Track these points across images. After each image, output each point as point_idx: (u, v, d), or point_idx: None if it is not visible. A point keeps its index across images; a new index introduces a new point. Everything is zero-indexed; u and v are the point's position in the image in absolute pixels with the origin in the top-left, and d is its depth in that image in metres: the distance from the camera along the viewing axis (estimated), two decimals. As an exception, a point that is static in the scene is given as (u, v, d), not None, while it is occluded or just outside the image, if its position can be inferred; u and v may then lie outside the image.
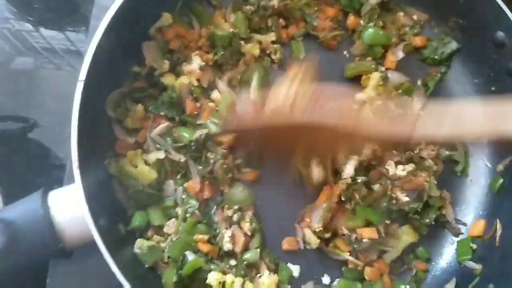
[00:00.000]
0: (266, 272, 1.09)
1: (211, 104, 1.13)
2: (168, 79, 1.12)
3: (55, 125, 1.34)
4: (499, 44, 1.10)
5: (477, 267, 1.08)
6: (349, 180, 1.07)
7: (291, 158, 1.06)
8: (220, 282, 1.03)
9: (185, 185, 1.11)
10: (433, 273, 1.14)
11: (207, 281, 1.02)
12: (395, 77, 1.18)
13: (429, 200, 1.12)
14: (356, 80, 1.19)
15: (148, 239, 1.07)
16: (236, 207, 1.10)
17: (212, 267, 1.06)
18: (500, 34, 1.09)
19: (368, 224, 1.08)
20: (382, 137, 0.89)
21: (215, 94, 1.14)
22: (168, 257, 1.06)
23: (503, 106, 0.81)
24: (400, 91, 1.16)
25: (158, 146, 1.10)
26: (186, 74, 1.13)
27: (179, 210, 1.10)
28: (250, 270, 1.08)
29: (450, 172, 1.19)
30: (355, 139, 0.94)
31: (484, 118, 0.82)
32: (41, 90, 1.38)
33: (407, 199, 1.09)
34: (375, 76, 1.12)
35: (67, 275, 1.12)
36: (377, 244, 1.09)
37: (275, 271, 1.11)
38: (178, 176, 1.12)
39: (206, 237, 1.07)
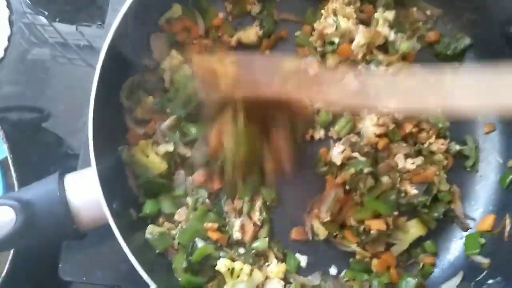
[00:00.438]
0: (274, 261, 1.11)
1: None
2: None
3: (69, 115, 1.37)
4: (511, 39, 1.10)
5: (485, 261, 1.07)
6: (351, 171, 1.08)
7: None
8: (228, 269, 1.04)
9: (191, 177, 1.13)
10: (440, 267, 1.15)
11: (216, 267, 1.04)
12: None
13: (438, 194, 1.13)
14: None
15: (159, 225, 1.09)
16: (246, 198, 1.11)
17: (221, 254, 1.07)
18: (513, 29, 1.09)
19: (377, 216, 1.09)
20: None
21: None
22: (178, 244, 1.08)
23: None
24: None
25: (167, 139, 1.12)
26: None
27: (189, 200, 1.11)
28: (258, 259, 1.10)
29: (460, 167, 1.18)
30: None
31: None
32: (56, 82, 1.41)
33: (416, 192, 1.09)
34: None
35: (78, 261, 1.15)
36: (385, 236, 1.10)
37: (283, 260, 1.13)
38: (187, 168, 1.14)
39: (216, 225, 1.09)
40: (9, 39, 1.41)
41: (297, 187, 1.16)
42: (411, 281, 1.10)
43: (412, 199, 1.10)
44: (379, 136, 1.10)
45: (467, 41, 1.20)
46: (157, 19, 1.15)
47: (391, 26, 1.13)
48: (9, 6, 1.43)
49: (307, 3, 1.24)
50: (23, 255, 1.10)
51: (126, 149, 1.07)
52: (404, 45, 1.11)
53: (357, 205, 1.11)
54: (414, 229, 1.13)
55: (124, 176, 1.06)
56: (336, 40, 1.13)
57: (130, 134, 1.13)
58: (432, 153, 1.14)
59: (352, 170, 1.08)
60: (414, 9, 1.21)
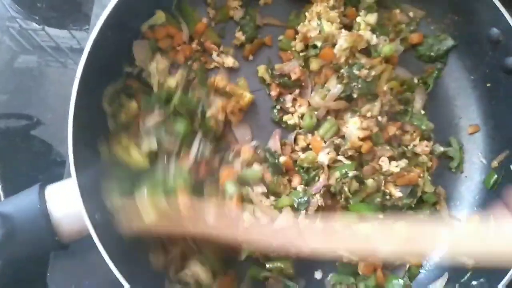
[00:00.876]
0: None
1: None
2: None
3: (57, 122, 1.36)
4: (494, 41, 1.10)
5: (470, 262, 1.08)
6: (337, 175, 1.08)
7: None
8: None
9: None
10: (427, 268, 1.15)
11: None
12: (402, 73, 1.19)
13: (423, 195, 1.14)
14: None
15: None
16: None
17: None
18: (495, 31, 1.09)
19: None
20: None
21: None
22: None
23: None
24: (405, 87, 1.17)
25: (150, 138, 1.09)
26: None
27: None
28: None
29: (445, 168, 1.19)
30: None
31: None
32: (44, 88, 1.40)
33: (400, 194, 1.10)
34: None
35: (67, 270, 1.15)
36: (371, 239, 1.10)
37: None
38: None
39: None
40: (-5, 45, 1.41)
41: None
42: (398, 282, 1.11)
43: (397, 202, 1.11)
44: (363, 139, 1.10)
45: (450, 42, 1.21)
46: (139, 25, 1.14)
47: (373, 30, 1.13)
48: (-7, 12, 1.42)
49: (290, 7, 1.24)
50: (11, 265, 1.10)
51: (106, 148, 1.06)
52: (387, 48, 1.11)
53: (342, 209, 1.11)
54: (400, 231, 1.14)
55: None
56: (319, 43, 1.13)
57: (113, 138, 1.10)
58: (416, 155, 1.15)
59: (337, 174, 1.09)
60: (397, 11, 1.22)
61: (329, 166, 1.11)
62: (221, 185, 1.09)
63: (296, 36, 1.19)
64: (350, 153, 1.10)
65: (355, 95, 1.11)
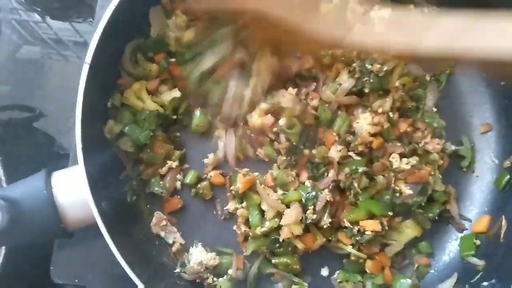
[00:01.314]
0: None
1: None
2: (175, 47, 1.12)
3: (60, 115, 1.35)
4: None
5: (480, 263, 1.06)
6: (346, 171, 1.07)
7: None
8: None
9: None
10: (435, 268, 1.13)
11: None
12: (414, 69, 1.17)
13: (434, 194, 1.12)
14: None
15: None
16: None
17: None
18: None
19: (371, 216, 1.07)
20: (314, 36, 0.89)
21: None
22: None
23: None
24: (417, 83, 1.16)
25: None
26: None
27: None
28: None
29: (456, 167, 1.17)
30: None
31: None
32: (47, 80, 1.40)
33: (410, 192, 1.08)
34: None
35: (70, 263, 1.13)
36: (379, 237, 1.08)
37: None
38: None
39: None
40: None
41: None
42: (406, 282, 1.09)
43: (407, 199, 1.09)
44: (374, 135, 1.08)
45: (464, 39, 1.19)
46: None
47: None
48: (-4, 4, 1.41)
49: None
50: (15, 257, 1.09)
51: (118, 95, 1.06)
52: None
53: (351, 205, 1.09)
54: (409, 230, 1.12)
55: (115, 173, 1.03)
56: None
57: (123, 80, 1.10)
58: (427, 152, 1.13)
59: (347, 170, 1.07)
60: (411, 6, 1.20)
61: (339, 162, 1.09)
62: None
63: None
64: (360, 148, 1.08)
65: (366, 90, 1.09)
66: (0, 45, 1.40)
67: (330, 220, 1.06)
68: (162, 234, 1.12)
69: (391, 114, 1.10)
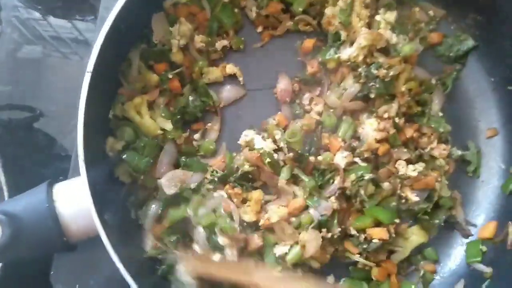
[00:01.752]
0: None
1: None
2: (177, 56, 1.11)
3: (61, 115, 1.34)
4: (517, 42, 1.07)
5: (488, 270, 1.06)
6: (352, 178, 1.05)
7: None
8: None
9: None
10: (441, 275, 1.13)
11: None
12: (420, 73, 1.15)
13: (440, 200, 1.11)
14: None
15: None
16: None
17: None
18: (519, 31, 1.06)
19: (378, 224, 1.06)
20: None
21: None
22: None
23: None
24: (423, 87, 1.14)
25: None
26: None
27: None
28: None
29: (462, 172, 1.16)
30: None
31: None
32: (47, 80, 1.38)
33: (417, 199, 1.07)
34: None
35: (71, 268, 1.12)
36: (386, 244, 1.07)
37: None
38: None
39: None
40: (-3, 36, 1.37)
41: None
42: (412, 288, 1.09)
43: (413, 206, 1.08)
44: (380, 141, 1.07)
45: (471, 42, 1.17)
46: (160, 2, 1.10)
47: (392, 28, 1.09)
48: (-3, 2, 1.38)
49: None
50: (15, 262, 1.07)
51: (119, 105, 1.04)
52: (407, 47, 1.08)
53: (357, 213, 1.08)
54: (415, 236, 1.12)
55: (117, 185, 1.02)
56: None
57: (123, 89, 1.08)
58: (434, 158, 1.12)
59: (353, 176, 1.05)
60: (417, 9, 1.18)
61: (344, 169, 1.07)
62: None
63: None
64: (366, 155, 1.07)
65: (372, 95, 1.08)
66: (1, 44, 1.38)
67: (339, 229, 1.04)
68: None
69: (397, 120, 1.08)
